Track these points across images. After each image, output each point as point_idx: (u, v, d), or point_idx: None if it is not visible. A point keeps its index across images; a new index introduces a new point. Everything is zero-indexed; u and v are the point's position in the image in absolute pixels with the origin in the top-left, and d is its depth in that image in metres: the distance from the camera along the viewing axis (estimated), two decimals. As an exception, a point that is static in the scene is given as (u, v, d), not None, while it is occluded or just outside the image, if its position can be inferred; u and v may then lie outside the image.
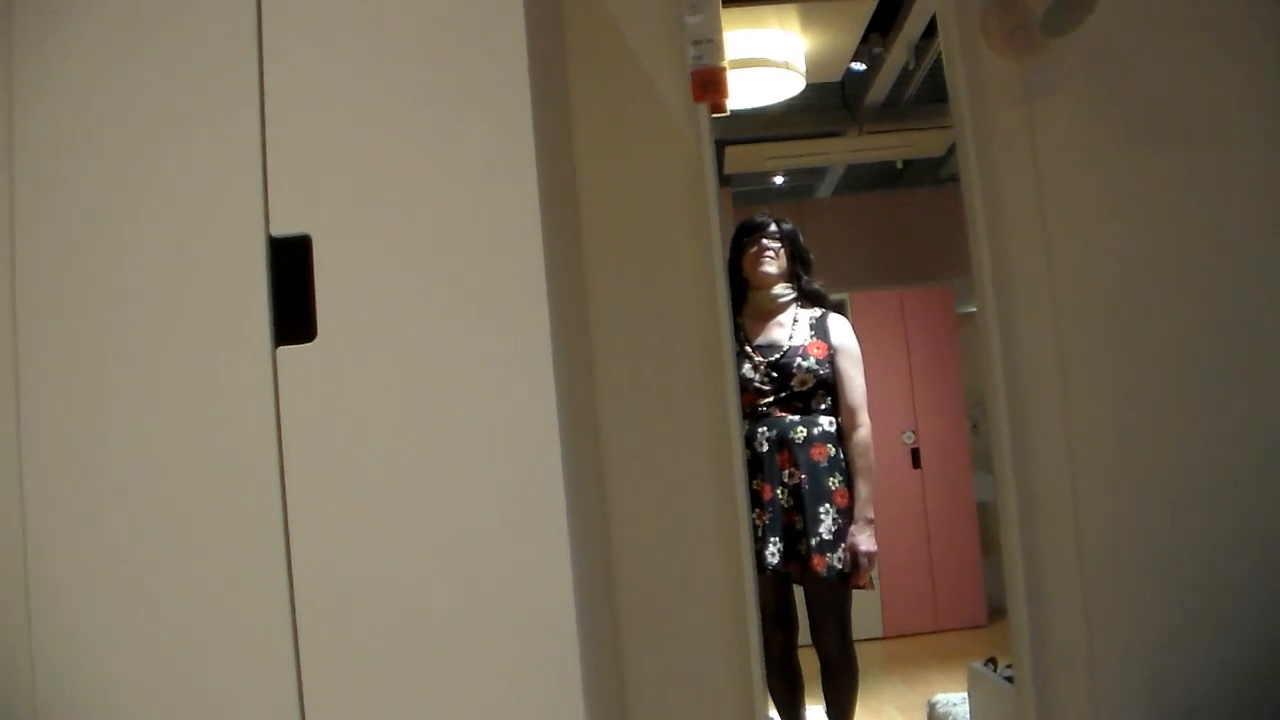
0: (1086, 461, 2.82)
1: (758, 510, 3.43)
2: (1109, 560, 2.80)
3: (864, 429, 3.56)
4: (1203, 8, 2.98)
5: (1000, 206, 2.86)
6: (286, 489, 1.81)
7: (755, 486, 3.44)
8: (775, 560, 3.39)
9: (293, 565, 1.81)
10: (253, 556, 1.81)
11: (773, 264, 3.63)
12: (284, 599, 1.80)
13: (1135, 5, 2.94)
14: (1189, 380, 2.86)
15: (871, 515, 3.49)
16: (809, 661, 3.66)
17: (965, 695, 4.19)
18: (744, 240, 3.68)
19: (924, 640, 7.20)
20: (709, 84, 2.72)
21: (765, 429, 3.48)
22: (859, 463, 3.53)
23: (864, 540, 3.45)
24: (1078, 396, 2.83)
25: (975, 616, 7.36)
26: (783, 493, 3.46)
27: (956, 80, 2.88)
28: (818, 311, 3.67)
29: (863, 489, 3.51)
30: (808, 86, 5.44)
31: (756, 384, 3.50)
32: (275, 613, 1.80)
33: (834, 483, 3.49)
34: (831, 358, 3.56)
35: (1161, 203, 2.90)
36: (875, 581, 3.60)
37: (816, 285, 3.73)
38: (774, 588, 3.54)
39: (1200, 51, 2.96)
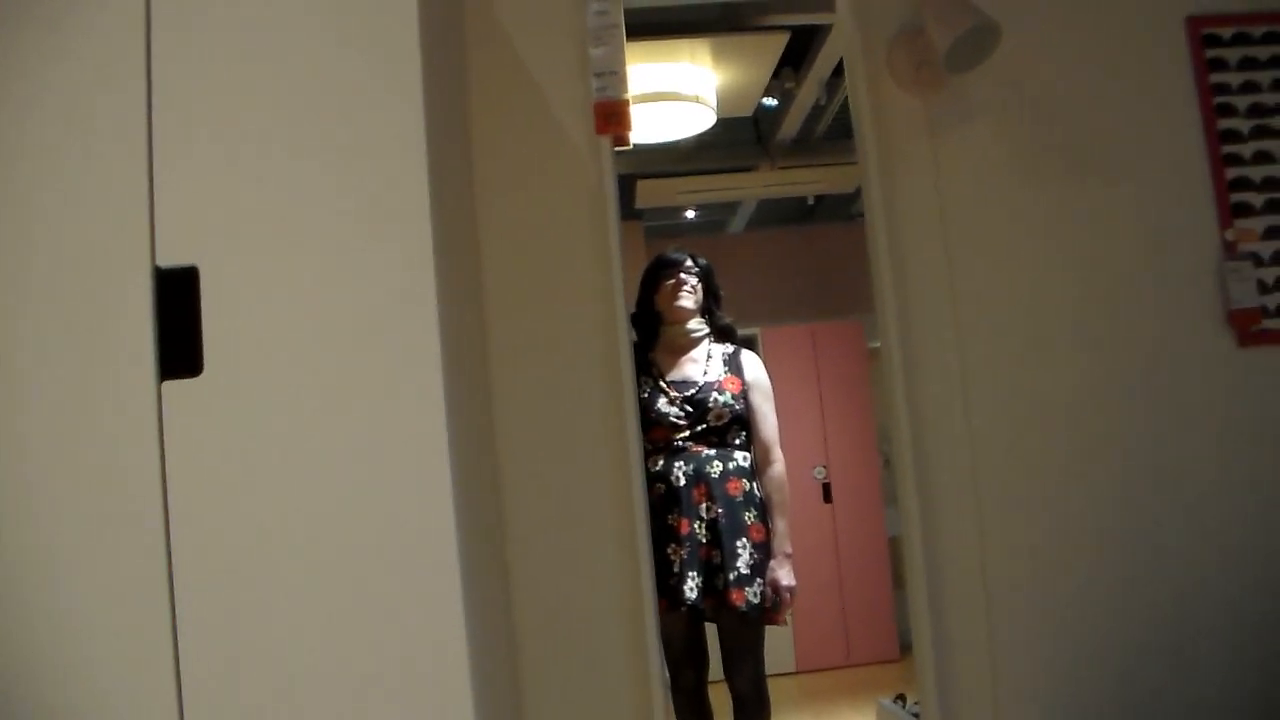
0: (991, 494, 2.84)
1: (674, 545, 3.39)
2: (1015, 594, 2.81)
3: (779, 464, 3.55)
4: (1105, 45, 3.03)
5: (904, 241, 2.88)
6: (170, 525, 1.75)
7: (672, 521, 3.41)
8: (695, 595, 3.36)
9: (176, 611, 1.75)
10: (136, 594, 1.75)
11: (689, 298, 3.61)
12: (168, 643, 1.74)
13: (1038, 42, 2.98)
14: (1094, 412, 2.89)
15: (790, 550, 3.48)
16: (720, 697, 3.63)
17: (875, 730, 4.19)
18: (660, 275, 3.66)
19: (836, 675, 7.22)
20: (612, 116, 2.71)
21: (682, 463, 3.45)
22: (775, 498, 3.52)
23: (784, 575, 3.43)
24: (982, 428, 2.85)
25: (887, 651, 7.40)
26: (700, 527, 3.43)
27: (862, 113, 2.91)
28: (730, 347, 3.66)
29: (780, 524, 3.49)
30: (720, 121, 5.48)
31: (673, 419, 3.47)
32: (159, 661, 1.74)
33: (750, 517, 3.47)
34: (745, 393, 3.56)
35: (1066, 236, 2.94)
36: (790, 617, 3.58)
37: (728, 320, 3.73)
38: (686, 624, 3.50)
39: (1102, 87, 3.01)
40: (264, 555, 1.77)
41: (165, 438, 1.77)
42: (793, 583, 3.43)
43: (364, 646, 1.77)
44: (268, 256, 1.83)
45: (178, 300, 1.79)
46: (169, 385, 1.78)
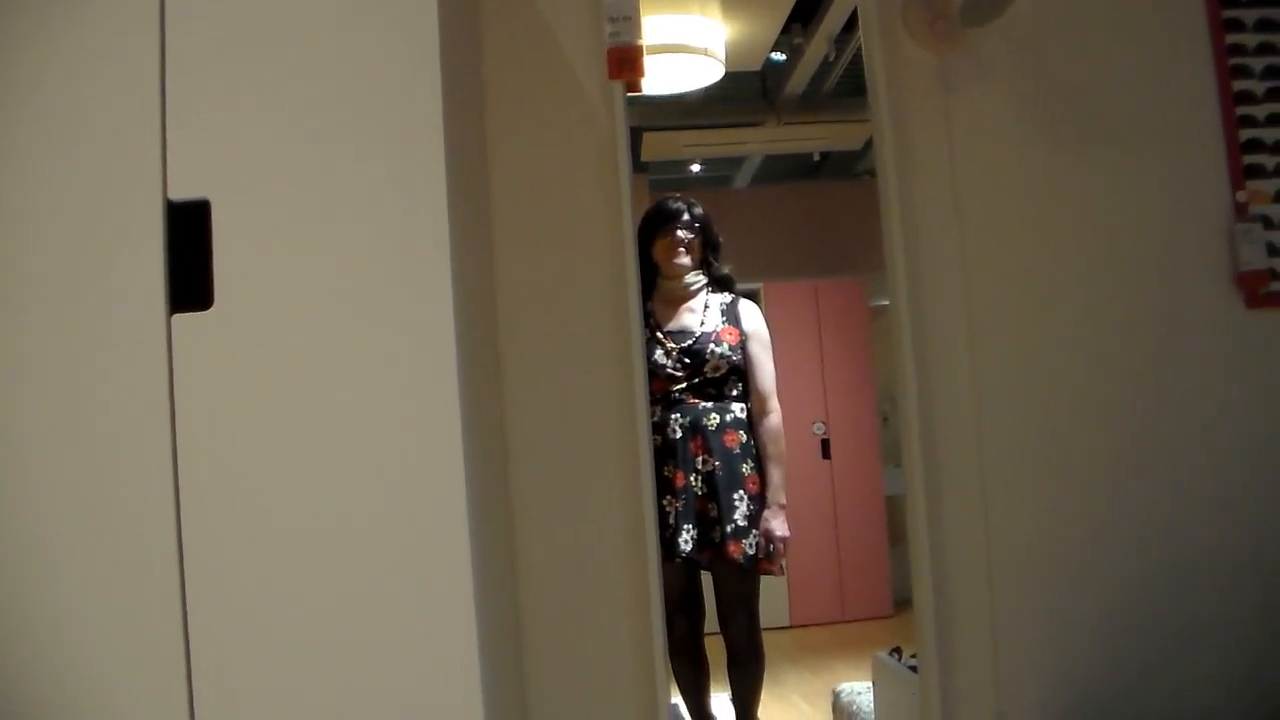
0: (995, 455, 2.83)
1: (669, 497, 3.41)
2: (1015, 554, 2.82)
3: (775, 415, 3.56)
4: (1120, 3, 3.00)
5: (915, 199, 2.86)
6: (179, 456, 1.75)
7: (667, 473, 3.42)
8: (689, 548, 3.37)
9: (184, 541, 1.75)
10: (143, 531, 1.75)
11: (686, 255, 3.60)
12: (174, 579, 1.74)
13: (1053, 1, 2.96)
14: (1101, 375, 2.89)
15: (784, 501, 3.49)
16: (715, 649, 3.65)
17: (870, 684, 4.21)
18: (657, 227, 3.64)
19: (830, 630, 7.27)
20: (625, 61, 2.69)
21: (678, 415, 3.46)
22: (771, 449, 3.52)
23: (778, 525, 3.44)
24: (988, 390, 2.85)
25: (881, 607, 7.45)
26: (696, 480, 3.45)
27: (875, 70, 2.88)
28: (728, 297, 3.66)
29: (775, 474, 3.51)
30: (727, 75, 5.44)
31: (669, 370, 3.47)
32: (165, 592, 1.75)
33: (747, 469, 3.49)
34: (743, 344, 3.55)
35: (1077, 197, 2.93)
36: (784, 567, 3.59)
37: (726, 270, 3.71)
38: (682, 575, 3.52)
39: (1117, 47, 2.99)
40: (273, 488, 1.78)
41: (175, 369, 1.76)
42: (786, 533, 3.46)
43: (372, 583, 1.78)
44: (280, 191, 1.82)
45: (189, 233, 1.79)
46: (179, 318, 1.78)
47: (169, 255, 1.78)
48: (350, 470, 1.79)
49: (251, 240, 1.81)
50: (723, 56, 5.26)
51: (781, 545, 3.45)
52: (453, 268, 1.83)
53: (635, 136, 6.60)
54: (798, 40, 5.70)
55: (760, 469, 3.54)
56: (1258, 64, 3.02)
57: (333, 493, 1.79)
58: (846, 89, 6.48)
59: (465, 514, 1.79)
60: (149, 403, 1.76)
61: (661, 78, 5.16)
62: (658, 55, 4.92)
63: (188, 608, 1.74)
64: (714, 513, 3.43)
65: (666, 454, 3.44)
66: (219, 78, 1.83)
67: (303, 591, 1.77)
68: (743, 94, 6.62)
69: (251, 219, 1.81)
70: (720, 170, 8.47)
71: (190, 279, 1.78)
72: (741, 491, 3.45)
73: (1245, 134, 2.99)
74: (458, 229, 1.91)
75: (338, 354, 1.80)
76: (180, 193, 1.80)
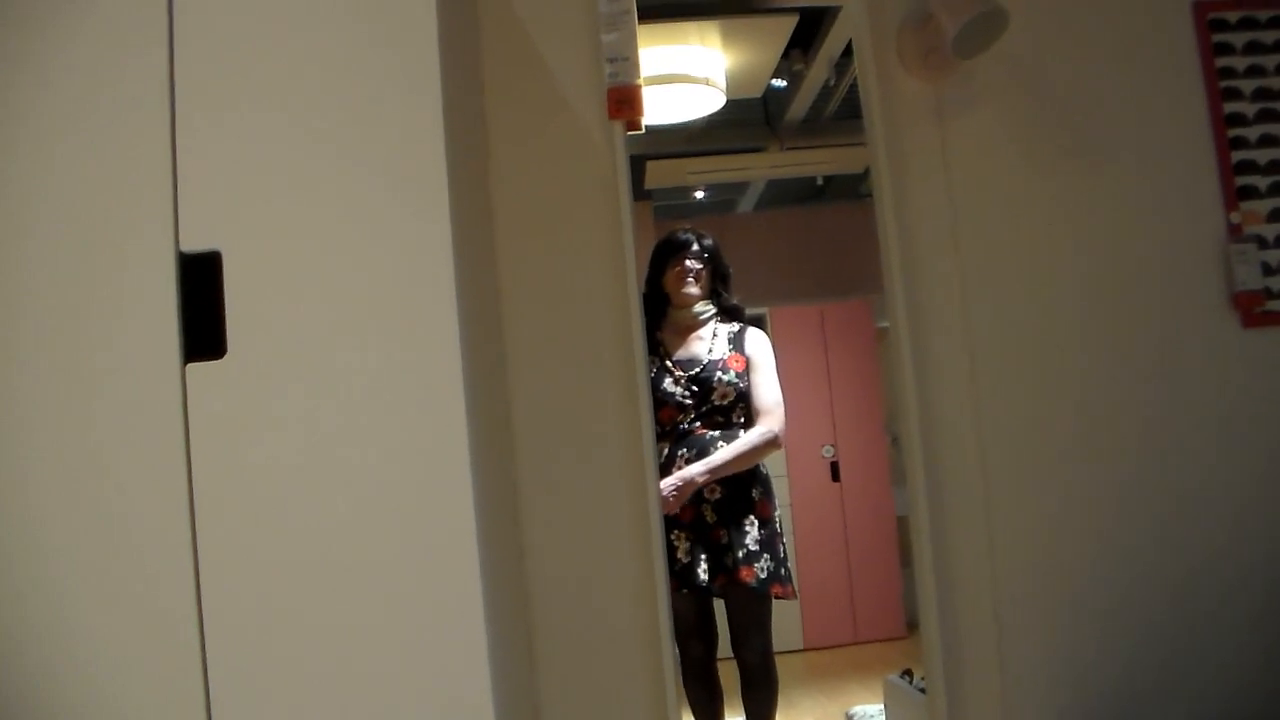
0: (999, 475, 2.87)
1: (679, 531, 3.43)
2: (1021, 574, 2.84)
3: (765, 428, 3.52)
4: (1112, 29, 3.06)
5: (913, 222, 2.90)
6: (195, 505, 1.79)
7: (677, 514, 3.43)
8: (705, 578, 3.39)
9: (201, 590, 1.79)
10: (160, 586, 1.79)
11: (695, 285, 3.64)
12: (193, 626, 1.78)
13: (1045, 27, 3.01)
14: (1101, 395, 2.92)
15: (711, 467, 3.43)
16: (728, 673, 3.67)
17: (882, 706, 4.23)
18: (667, 258, 3.69)
19: (843, 652, 7.25)
20: (624, 101, 2.73)
21: (684, 450, 3.47)
22: (738, 444, 3.49)
23: (690, 471, 3.42)
24: (990, 410, 2.88)
25: (894, 628, 7.43)
26: (706, 510, 3.47)
27: (871, 99, 2.92)
28: (736, 326, 3.68)
29: (718, 456, 3.46)
30: (729, 102, 5.48)
31: (678, 398, 3.50)
32: (183, 635, 1.78)
33: (756, 494, 3.50)
34: (749, 370, 3.58)
35: (1073, 219, 2.97)
36: (796, 591, 3.60)
37: (735, 300, 3.75)
38: (695, 603, 3.54)
39: (1109, 71, 3.04)
40: (287, 536, 1.81)
41: (190, 418, 1.80)
42: (688, 478, 3.41)
43: (384, 629, 1.82)
44: (290, 241, 1.86)
45: (201, 284, 1.83)
46: (193, 367, 1.82)
47: (182, 306, 1.82)
48: (364, 514, 1.83)
49: (263, 289, 1.85)
50: (724, 85, 5.30)
51: (677, 484, 3.39)
52: (459, 310, 1.87)
53: (639, 165, 6.63)
54: (798, 66, 5.73)
55: (769, 494, 3.56)
56: (1248, 86, 3.06)
57: (348, 540, 1.82)
58: (848, 113, 6.49)
59: (476, 552, 1.83)
60: (165, 453, 1.80)
61: (664, 108, 5.20)
62: (660, 86, 4.97)
63: (207, 659, 1.78)
64: (725, 539, 3.44)
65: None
66: (228, 129, 1.87)
67: (319, 635, 1.81)
68: (745, 120, 6.65)
69: (262, 268, 1.85)
70: (724, 195, 8.48)
71: (203, 329, 1.82)
72: (752, 516, 3.47)
73: (1238, 155, 3.04)
74: (464, 272, 1.95)
75: (349, 400, 1.84)
76: (192, 244, 1.84)
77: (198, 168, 1.86)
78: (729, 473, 3.47)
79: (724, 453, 3.46)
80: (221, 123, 1.88)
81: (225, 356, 1.82)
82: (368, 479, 1.83)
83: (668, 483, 3.37)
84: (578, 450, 2.75)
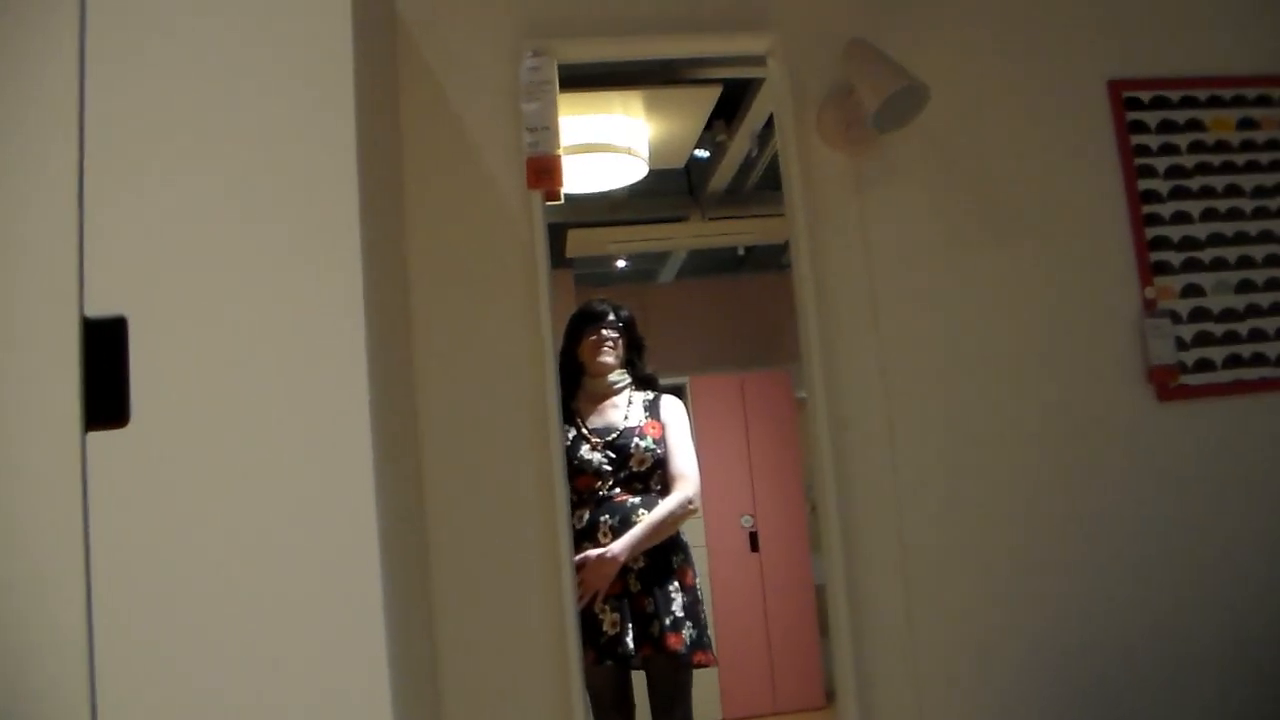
0: (916, 546, 2.86)
1: (603, 604, 3.38)
2: (939, 643, 2.84)
3: (681, 494, 3.50)
4: (1030, 106, 3.11)
5: (831, 295, 2.91)
6: (91, 578, 1.73)
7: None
8: (633, 648, 3.35)
9: (95, 666, 1.72)
10: (55, 648, 1.72)
11: (610, 354, 3.64)
12: (85, 701, 1.72)
13: (964, 103, 3.05)
14: (1018, 467, 2.94)
15: (628, 544, 3.39)
16: (644, 748, 3.63)
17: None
18: (583, 328, 3.68)
19: (763, 723, 7.22)
20: (543, 171, 2.73)
21: (606, 516, 3.44)
22: (657, 513, 3.45)
23: (613, 549, 3.38)
24: (907, 481, 2.88)
25: (813, 698, 7.39)
26: (631, 579, 3.43)
27: (791, 170, 2.94)
28: (650, 394, 3.68)
29: (638, 530, 3.41)
30: (652, 172, 5.50)
31: (596, 465, 3.48)
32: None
33: (677, 561, 3.48)
34: (665, 437, 3.57)
35: (991, 293, 3.00)
36: (716, 657, 3.56)
37: (649, 371, 3.75)
38: (614, 676, 3.49)
39: (1027, 147, 3.09)
40: (187, 608, 1.76)
41: (89, 487, 1.75)
42: (611, 554, 3.36)
43: (291, 693, 1.76)
44: (198, 305, 1.82)
45: (106, 350, 1.78)
46: (94, 435, 1.76)
47: (84, 372, 1.77)
48: (264, 596, 1.78)
49: (170, 355, 1.81)
50: (647, 154, 5.32)
51: (593, 561, 3.35)
52: (370, 379, 1.84)
53: (560, 233, 6.63)
54: (721, 137, 5.77)
55: (690, 562, 3.54)
56: (1161, 164, 3.12)
57: (249, 623, 1.77)
58: (770, 184, 6.52)
59: (385, 653, 1.79)
60: (63, 523, 1.74)
61: (586, 177, 5.20)
62: (582, 155, 4.97)
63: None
64: (651, 607, 3.41)
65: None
66: (136, 193, 1.84)
67: (221, 698, 1.75)
68: (668, 190, 6.67)
69: (170, 334, 1.81)
70: (646, 264, 8.51)
71: (106, 395, 1.77)
72: (676, 583, 3.44)
73: (1152, 232, 3.08)
74: (376, 340, 1.92)
75: (256, 471, 1.80)
76: (98, 309, 1.80)
77: (105, 230, 1.82)
78: (651, 545, 3.43)
79: (642, 526, 3.42)
80: (131, 185, 1.84)
81: (128, 424, 1.77)
82: (271, 552, 1.78)
83: (590, 555, 3.34)
84: (491, 520, 2.72)
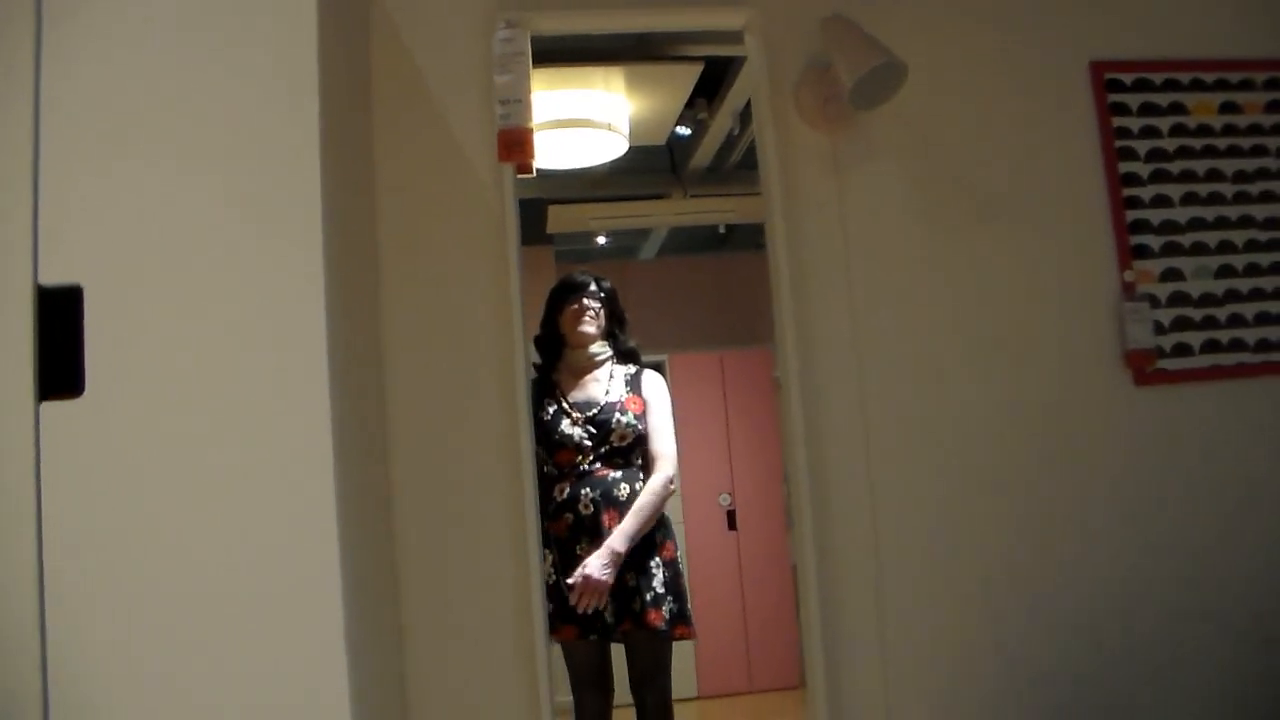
0: (889, 527, 2.86)
1: (586, 576, 3.36)
2: (909, 624, 2.84)
3: (661, 474, 3.50)
4: (1010, 87, 3.09)
5: (807, 274, 2.90)
6: (44, 551, 1.71)
7: (580, 551, 3.38)
8: (613, 622, 3.34)
9: (47, 645, 1.70)
10: (6, 617, 1.70)
11: (592, 324, 3.60)
12: (37, 677, 1.69)
13: (943, 83, 3.03)
14: (994, 450, 2.94)
15: (619, 549, 3.37)
16: (622, 720, 3.62)
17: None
18: (564, 299, 3.65)
19: (737, 700, 7.23)
20: (514, 144, 2.70)
21: (588, 490, 3.42)
22: (644, 499, 3.44)
23: (595, 568, 3.34)
24: (880, 462, 2.88)
25: (789, 677, 7.40)
26: (613, 555, 3.42)
27: (767, 149, 2.93)
28: (632, 369, 3.65)
29: (631, 522, 3.41)
30: (633, 149, 5.48)
31: (577, 440, 3.45)
32: (27, 688, 1.69)
33: (659, 537, 3.46)
34: (646, 413, 3.55)
35: (968, 274, 2.99)
36: (695, 634, 3.56)
37: (632, 344, 3.72)
38: (595, 651, 3.48)
39: (1007, 128, 3.07)
40: (142, 580, 1.74)
41: (42, 458, 1.72)
42: (601, 578, 3.33)
43: (243, 675, 1.75)
44: (155, 276, 1.80)
45: (60, 319, 1.75)
46: (48, 405, 1.74)
47: (39, 342, 1.74)
48: (220, 564, 1.76)
49: (126, 325, 1.78)
50: (628, 131, 5.30)
51: (586, 586, 3.33)
52: (330, 351, 1.82)
53: (541, 209, 6.61)
54: (702, 115, 5.75)
55: (669, 535, 3.53)
56: (1142, 147, 3.10)
57: (203, 587, 1.75)
58: (752, 162, 6.44)
59: (341, 614, 1.77)
60: (16, 493, 1.71)
61: (566, 152, 5.18)
62: (562, 130, 4.95)
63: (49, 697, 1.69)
64: (632, 583, 3.40)
65: (579, 531, 3.40)
66: (93, 161, 1.81)
67: (173, 679, 1.73)
68: (649, 167, 6.65)
69: (126, 303, 1.78)
70: (626, 242, 8.49)
71: (61, 366, 1.74)
72: (658, 559, 3.42)
73: (1132, 215, 3.07)
74: (337, 310, 1.90)
75: (212, 442, 1.77)
76: (52, 278, 1.77)
77: (61, 198, 1.79)
78: (646, 530, 3.43)
79: (635, 517, 3.40)
80: (87, 152, 1.81)
81: (83, 395, 1.75)
82: (227, 521, 1.77)
83: (596, 563, 3.32)
84: (458, 496, 2.72)
